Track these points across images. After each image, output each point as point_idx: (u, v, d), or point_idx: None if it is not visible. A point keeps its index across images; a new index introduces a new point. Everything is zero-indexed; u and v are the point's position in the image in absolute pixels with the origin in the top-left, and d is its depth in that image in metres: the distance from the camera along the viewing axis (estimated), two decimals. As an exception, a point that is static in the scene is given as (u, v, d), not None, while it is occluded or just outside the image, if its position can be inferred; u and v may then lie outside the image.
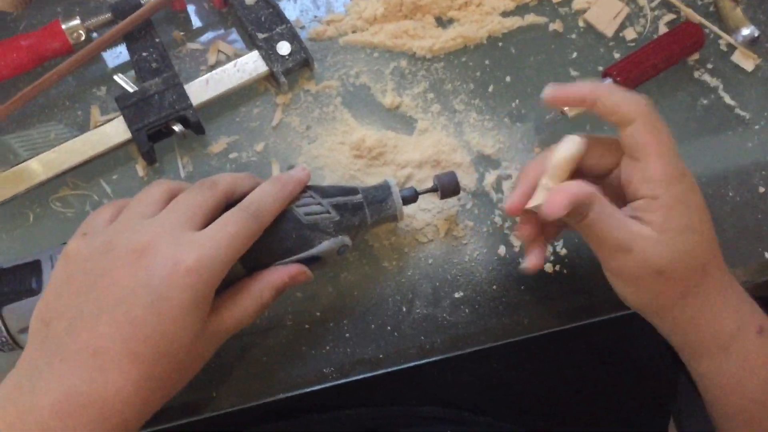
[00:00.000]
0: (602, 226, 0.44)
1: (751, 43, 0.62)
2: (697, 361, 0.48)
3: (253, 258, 0.45)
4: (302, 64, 0.58)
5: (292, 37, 0.58)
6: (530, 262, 0.48)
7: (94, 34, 0.59)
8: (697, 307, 0.45)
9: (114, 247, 0.41)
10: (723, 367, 0.46)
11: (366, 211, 0.49)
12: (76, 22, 0.57)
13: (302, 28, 0.61)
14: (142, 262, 0.40)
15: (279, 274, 0.46)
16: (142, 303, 0.39)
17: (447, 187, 0.52)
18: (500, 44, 0.62)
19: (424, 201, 0.56)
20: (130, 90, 0.56)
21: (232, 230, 0.42)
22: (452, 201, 0.56)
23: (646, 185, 0.43)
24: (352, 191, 0.49)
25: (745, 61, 0.62)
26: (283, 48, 0.58)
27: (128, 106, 0.55)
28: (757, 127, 0.61)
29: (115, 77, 0.56)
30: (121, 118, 0.55)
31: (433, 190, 0.52)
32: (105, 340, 0.38)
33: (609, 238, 0.44)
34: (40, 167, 0.54)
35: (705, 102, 0.61)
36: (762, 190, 0.59)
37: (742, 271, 0.57)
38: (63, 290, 0.41)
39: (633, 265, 0.44)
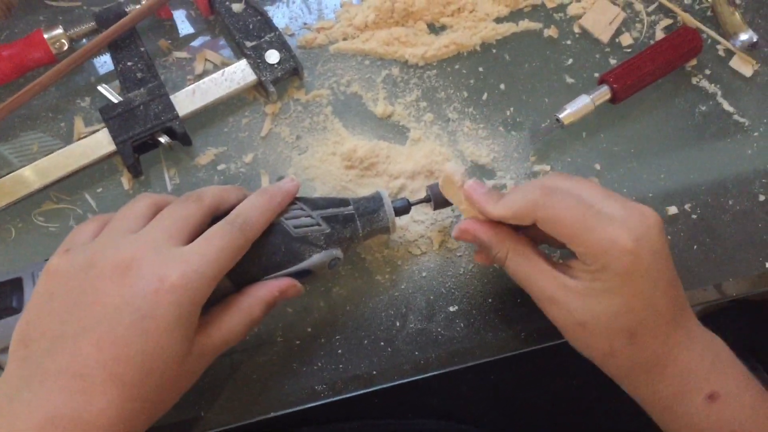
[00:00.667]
0: (523, 274, 0.45)
1: (750, 48, 0.61)
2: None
3: (242, 273, 0.44)
4: (292, 72, 0.57)
5: (281, 45, 0.57)
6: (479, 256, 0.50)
7: (81, 42, 0.58)
8: (627, 368, 0.45)
9: (97, 264, 0.40)
10: (671, 427, 0.46)
11: (357, 223, 0.48)
12: (59, 31, 0.56)
13: (291, 35, 0.60)
14: (126, 279, 0.39)
15: (268, 289, 0.45)
16: (125, 322, 0.38)
17: (440, 198, 0.50)
18: (494, 51, 0.61)
19: (417, 212, 0.55)
20: (115, 101, 0.54)
21: (218, 244, 0.41)
22: (446, 212, 0.55)
23: (578, 256, 0.43)
24: (343, 203, 0.48)
25: (744, 66, 0.61)
26: (272, 56, 0.56)
27: (112, 117, 0.54)
28: (756, 133, 0.60)
29: (99, 88, 0.55)
30: (105, 130, 0.54)
31: (426, 200, 0.51)
32: (87, 360, 0.37)
33: (534, 287, 0.45)
34: (22, 180, 0.52)
35: (703, 108, 0.60)
36: (762, 198, 0.58)
37: (741, 283, 0.56)
38: (44, 309, 0.40)
39: (558, 314, 0.45)
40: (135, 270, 0.39)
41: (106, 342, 0.37)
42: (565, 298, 0.44)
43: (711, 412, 0.43)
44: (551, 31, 0.61)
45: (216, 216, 0.44)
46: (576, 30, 0.62)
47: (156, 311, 0.38)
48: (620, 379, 0.46)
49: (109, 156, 0.54)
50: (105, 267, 0.39)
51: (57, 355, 0.38)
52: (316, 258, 0.46)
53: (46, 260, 0.42)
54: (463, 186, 0.47)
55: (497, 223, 0.47)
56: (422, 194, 0.52)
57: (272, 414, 0.51)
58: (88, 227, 0.44)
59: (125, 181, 0.55)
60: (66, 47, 0.56)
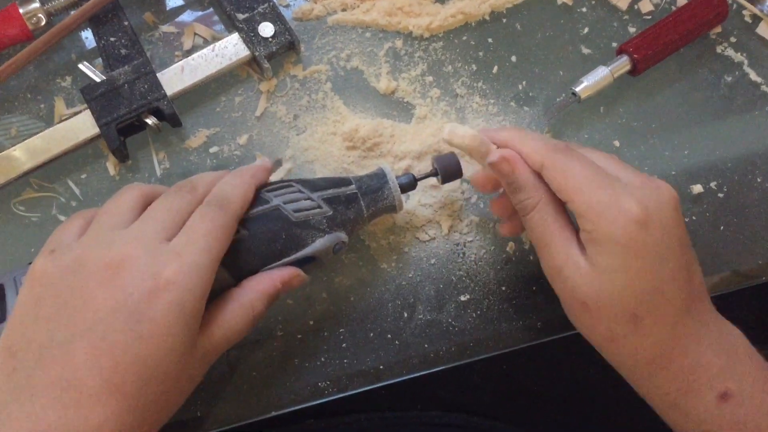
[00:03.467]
0: (542, 233, 0.43)
1: (779, 14, 0.57)
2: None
3: (241, 264, 0.42)
4: (287, 46, 0.54)
5: (276, 17, 0.54)
6: (505, 228, 0.49)
7: (60, 17, 0.54)
8: (629, 356, 0.42)
9: (85, 264, 0.38)
10: (678, 425, 0.43)
11: (361, 202, 0.46)
12: (35, 5, 0.52)
13: (286, 6, 0.57)
14: (118, 280, 0.37)
15: (270, 281, 0.42)
16: (120, 326, 0.36)
17: (448, 170, 0.48)
18: (504, 20, 0.58)
19: (424, 196, 0.52)
20: (97, 80, 0.51)
21: (203, 229, 0.39)
22: (456, 195, 0.52)
23: (579, 219, 0.41)
24: (345, 182, 0.46)
25: (772, 33, 0.57)
26: (266, 29, 0.53)
27: (95, 97, 0.51)
28: (786, 105, 0.56)
29: (80, 66, 0.52)
30: (88, 111, 0.51)
31: (432, 174, 0.48)
32: (80, 370, 0.35)
33: (546, 252, 0.43)
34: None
35: (729, 79, 0.57)
36: (793, 174, 0.54)
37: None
38: (30, 316, 0.38)
39: (563, 289, 0.43)
40: (127, 269, 0.37)
41: (101, 349, 0.35)
42: (570, 272, 0.41)
43: (723, 413, 0.40)
44: (565, -2, 0.58)
45: None
46: (592, -4, 0.58)
47: (153, 313, 0.36)
48: (622, 369, 0.43)
49: (93, 139, 0.51)
50: (94, 267, 0.37)
51: (47, 365, 0.35)
52: (319, 243, 0.44)
53: (30, 263, 0.40)
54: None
55: (532, 172, 0.44)
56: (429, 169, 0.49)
57: (273, 413, 0.48)
58: (73, 224, 0.42)
59: (111, 166, 0.52)
60: (43, 22, 0.53)
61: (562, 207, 0.43)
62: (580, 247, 0.42)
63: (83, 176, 0.52)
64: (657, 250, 0.39)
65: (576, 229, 0.42)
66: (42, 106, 0.53)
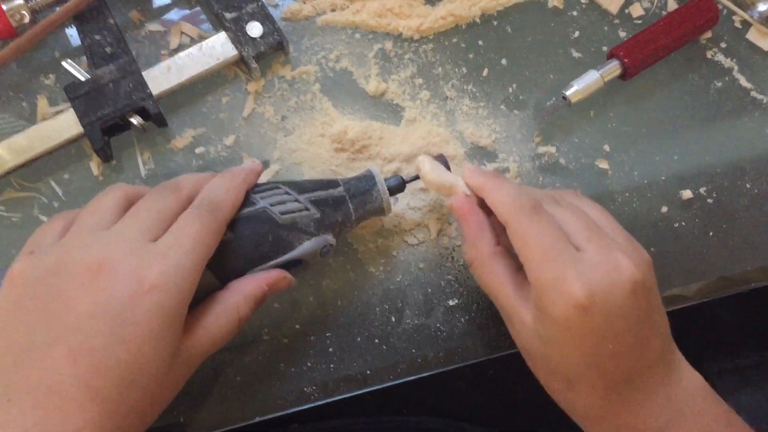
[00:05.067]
0: (484, 286, 0.44)
1: (769, 20, 0.57)
2: None
3: (227, 267, 0.41)
4: (276, 47, 0.53)
5: (264, 16, 0.53)
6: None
7: (44, 14, 0.53)
8: (564, 406, 0.43)
9: (66, 266, 0.37)
10: None
11: (349, 205, 0.45)
12: (19, 2, 0.51)
13: (275, 6, 0.56)
14: (100, 282, 0.36)
15: (256, 283, 0.42)
16: (102, 330, 0.35)
17: None
18: (495, 23, 0.57)
19: (413, 199, 0.51)
20: (82, 78, 0.50)
21: (191, 232, 0.39)
22: (444, 199, 0.51)
23: (530, 286, 0.40)
24: (333, 184, 0.45)
25: (762, 39, 0.57)
26: (254, 29, 0.52)
27: (79, 96, 0.49)
28: (775, 111, 0.56)
29: (64, 64, 0.51)
30: (71, 110, 0.50)
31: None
32: (61, 375, 0.34)
33: (494, 300, 0.44)
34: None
35: (719, 84, 0.57)
36: (782, 180, 0.54)
37: (758, 271, 0.53)
38: (9, 319, 0.37)
39: (511, 331, 0.44)
40: (109, 271, 0.36)
41: (82, 353, 0.35)
42: (516, 323, 0.42)
43: None
44: (556, 2, 0.57)
45: None
46: (583, 0, 0.57)
47: (136, 316, 0.35)
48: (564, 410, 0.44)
49: (77, 139, 0.50)
50: (75, 269, 0.37)
51: (26, 370, 0.35)
52: (306, 246, 0.43)
53: (8, 267, 0.39)
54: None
55: (483, 221, 0.44)
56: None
57: (258, 419, 0.47)
58: (54, 225, 0.41)
59: (94, 166, 0.51)
60: (27, 19, 0.52)
61: (503, 258, 0.43)
62: (523, 297, 0.41)
63: (66, 176, 0.51)
64: (597, 333, 0.38)
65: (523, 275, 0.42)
66: (25, 104, 0.52)
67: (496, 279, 0.42)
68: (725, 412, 0.42)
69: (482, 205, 0.45)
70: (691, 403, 0.41)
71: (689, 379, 0.42)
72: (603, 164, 0.54)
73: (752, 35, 0.57)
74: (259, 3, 0.53)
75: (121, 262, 0.37)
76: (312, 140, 0.52)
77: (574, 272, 0.38)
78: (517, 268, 0.43)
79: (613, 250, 0.39)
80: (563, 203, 0.43)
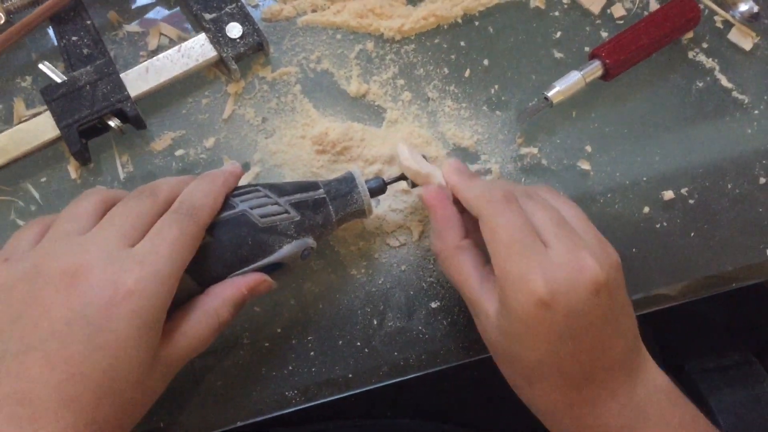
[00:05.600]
0: (451, 278, 0.44)
1: (750, 20, 0.57)
2: None
3: (206, 271, 0.41)
4: (256, 48, 0.52)
5: (244, 17, 0.52)
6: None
7: (20, 14, 0.52)
8: (526, 401, 0.43)
9: (41, 272, 0.36)
10: None
11: (330, 207, 0.45)
12: (-6, 2, 0.50)
13: (255, 6, 0.56)
14: (76, 289, 0.36)
15: (236, 287, 0.41)
16: (78, 337, 0.35)
17: None
18: (477, 23, 0.57)
19: (395, 201, 0.51)
20: (58, 80, 0.49)
21: (169, 237, 0.38)
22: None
23: (495, 278, 0.40)
24: (313, 186, 0.45)
25: (743, 39, 0.57)
26: (234, 30, 0.52)
27: (56, 98, 0.49)
28: (756, 111, 0.56)
29: (41, 65, 0.50)
30: (48, 113, 0.49)
31: (402, 178, 0.48)
32: (35, 383, 0.34)
33: (460, 292, 0.44)
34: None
35: (700, 85, 0.57)
36: (763, 180, 0.54)
37: (740, 271, 0.53)
38: None
39: (477, 325, 0.43)
40: (85, 277, 0.36)
41: (57, 360, 0.34)
42: (481, 317, 0.42)
43: None
44: (538, 2, 0.57)
45: None
46: (565, 0, 0.57)
47: (112, 323, 0.35)
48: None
49: (54, 141, 0.50)
50: (51, 275, 0.36)
51: (0, 377, 0.34)
52: (286, 249, 0.43)
53: None
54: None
55: (453, 214, 0.44)
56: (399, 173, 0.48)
57: (239, 423, 0.47)
58: (29, 231, 0.40)
59: (72, 169, 0.50)
60: (2, 20, 0.51)
61: (470, 253, 0.43)
62: (488, 290, 0.41)
63: (43, 179, 0.50)
64: (557, 331, 0.38)
65: (490, 269, 0.43)
66: (0, 106, 0.51)
67: (462, 271, 0.42)
68: (691, 415, 0.42)
69: (456, 201, 0.45)
70: (656, 405, 0.41)
71: (655, 380, 0.42)
72: (585, 165, 0.54)
73: (734, 35, 0.57)
74: (239, 4, 0.52)
75: (98, 268, 0.36)
76: (293, 142, 0.52)
77: (538, 268, 0.38)
78: (485, 261, 0.43)
79: (580, 249, 0.39)
80: (536, 198, 0.43)
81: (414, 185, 0.48)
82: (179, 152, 0.51)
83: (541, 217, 0.41)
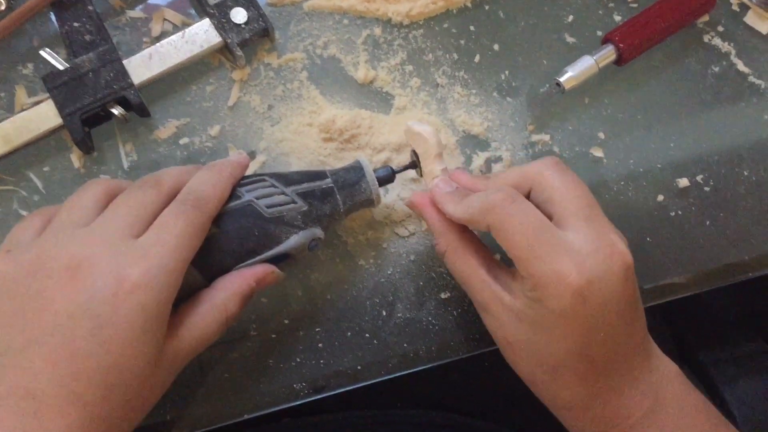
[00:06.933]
0: (459, 276, 0.43)
1: (767, 3, 0.55)
2: None
3: (212, 263, 0.41)
4: (261, 33, 0.52)
5: (249, 2, 0.51)
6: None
7: (21, 0, 0.51)
8: (548, 399, 0.42)
9: (44, 265, 0.36)
10: None
11: (337, 197, 0.44)
12: (-6, -12, 0.49)
13: (260, -9, 0.54)
14: (79, 282, 0.35)
15: (244, 279, 0.41)
16: (82, 331, 0.34)
17: None
18: (486, 7, 0.56)
19: (403, 189, 0.50)
20: (60, 67, 0.49)
21: (175, 229, 0.37)
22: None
23: (523, 280, 0.39)
24: (320, 175, 0.44)
25: (760, 22, 0.56)
26: (239, 15, 0.51)
27: (58, 86, 0.48)
28: (773, 97, 0.55)
29: (42, 52, 0.49)
30: (50, 101, 0.48)
31: (411, 166, 0.47)
32: (39, 377, 0.34)
33: (469, 291, 0.43)
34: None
35: (716, 69, 0.56)
36: (780, 168, 0.53)
37: (756, 260, 0.52)
38: None
39: (490, 324, 0.42)
40: (88, 270, 0.35)
41: (61, 355, 0.34)
42: (497, 311, 0.41)
43: None
44: (550, -15, 0.56)
45: None
46: (577, -17, 0.56)
47: (117, 317, 0.34)
48: (546, 405, 0.43)
49: (56, 130, 0.49)
50: (53, 268, 0.36)
51: (3, 372, 0.34)
52: (293, 240, 0.42)
53: None
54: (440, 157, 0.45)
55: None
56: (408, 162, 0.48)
57: (246, 416, 0.47)
58: (32, 223, 0.40)
59: (75, 158, 0.50)
60: (3, 6, 0.51)
61: (474, 245, 0.43)
62: (503, 284, 0.41)
63: (46, 169, 0.50)
64: (591, 321, 0.38)
65: (497, 262, 0.42)
66: (2, 94, 0.51)
67: (469, 268, 0.42)
68: (702, 400, 0.42)
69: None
70: (670, 390, 0.41)
71: (666, 365, 0.42)
72: (598, 152, 0.53)
73: (750, 18, 0.56)
74: (244, -12, 0.51)
75: (101, 260, 0.35)
76: (299, 130, 0.51)
77: (569, 260, 0.37)
78: (491, 254, 0.42)
79: (608, 232, 0.39)
80: (545, 182, 0.41)
81: (421, 174, 0.47)
82: (184, 140, 0.51)
83: (558, 199, 0.40)
